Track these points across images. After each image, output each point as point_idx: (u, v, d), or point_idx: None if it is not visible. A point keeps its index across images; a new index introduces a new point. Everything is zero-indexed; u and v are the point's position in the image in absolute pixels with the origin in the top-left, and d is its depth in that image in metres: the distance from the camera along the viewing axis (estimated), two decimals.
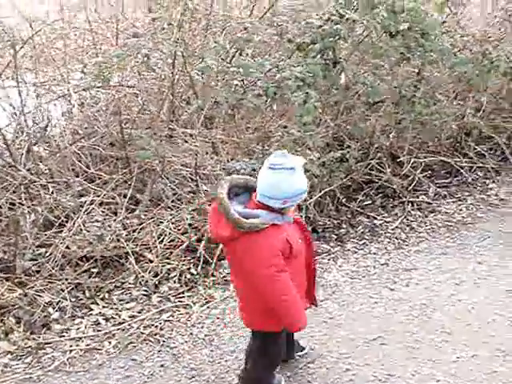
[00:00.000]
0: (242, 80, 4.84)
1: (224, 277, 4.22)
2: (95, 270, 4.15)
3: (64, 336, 3.64)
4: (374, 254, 4.61)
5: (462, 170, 5.83)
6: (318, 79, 4.85)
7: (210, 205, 3.73)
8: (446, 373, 3.27)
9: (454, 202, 5.46)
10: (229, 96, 4.73)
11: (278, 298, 2.80)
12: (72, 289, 3.99)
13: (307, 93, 4.62)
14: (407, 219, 5.12)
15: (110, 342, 3.58)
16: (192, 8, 4.98)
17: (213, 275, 4.23)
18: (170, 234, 4.33)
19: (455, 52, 5.65)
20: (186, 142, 4.79)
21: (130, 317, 3.80)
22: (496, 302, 3.93)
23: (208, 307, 3.92)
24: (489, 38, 6.20)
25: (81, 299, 3.95)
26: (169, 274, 4.17)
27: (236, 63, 4.79)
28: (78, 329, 3.70)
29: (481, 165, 5.98)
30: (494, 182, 5.88)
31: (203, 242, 4.31)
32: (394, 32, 5.18)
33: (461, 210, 5.32)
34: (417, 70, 5.72)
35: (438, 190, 5.58)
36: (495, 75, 5.86)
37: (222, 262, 4.33)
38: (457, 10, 6.28)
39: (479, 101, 6.02)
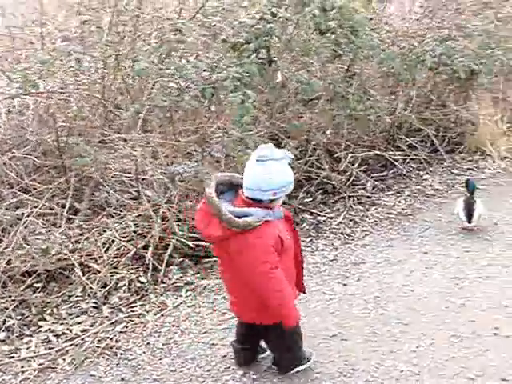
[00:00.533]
0: (178, 82, 4.75)
1: (174, 283, 4.14)
2: (39, 285, 3.97)
3: (13, 357, 3.47)
4: (322, 250, 4.62)
5: (396, 163, 5.95)
6: (255, 78, 4.83)
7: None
8: (408, 362, 3.30)
9: (392, 194, 5.56)
10: (165, 99, 4.64)
11: (272, 294, 2.87)
12: (17, 306, 3.82)
13: (244, 93, 4.59)
14: (350, 214, 5.17)
15: (64, 360, 3.43)
16: (122, 10, 4.87)
17: (163, 282, 4.13)
18: (115, 242, 4.20)
19: (383, 48, 5.76)
20: (124, 147, 4.66)
21: (82, 331, 3.65)
22: (445, 289, 4.01)
23: (162, 315, 3.82)
24: (413, 33, 6.34)
25: (27, 316, 3.78)
26: (117, 284, 4.04)
27: (171, 65, 4.70)
28: (28, 348, 3.53)
29: (413, 157, 6.11)
30: (427, 173, 6.01)
31: (150, 249, 4.21)
32: (324, 29, 5.22)
33: (400, 201, 5.41)
34: (346, 67, 5.78)
35: (376, 183, 5.67)
36: (422, 70, 6.00)
37: (171, 267, 4.25)
38: (382, 6, 6.39)
39: (408, 95, 6.15)
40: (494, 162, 6.24)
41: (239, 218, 2.76)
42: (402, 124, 6.17)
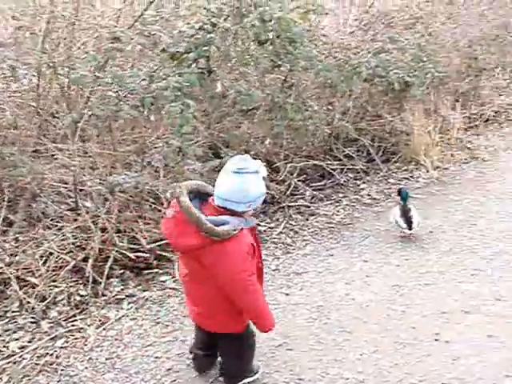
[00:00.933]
0: (117, 91, 4.67)
1: (115, 295, 4.06)
2: None
3: None
4: (264, 260, 4.60)
5: (334, 173, 6.02)
6: (195, 88, 4.81)
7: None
8: (353, 370, 3.35)
9: (331, 203, 5.62)
10: (104, 108, 4.56)
11: (251, 301, 2.92)
12: None
13: (184, 102, 4.56)
14: (290, 223, 5.20)
15: (1, 378, 3.29)
16: (58, 16, 4.77)
17: (104, 295, 4.04)
18: (53, 254, 4.09)
19: (320, 59, 5.82)
20: (60, 157, 4.54)
21: (19, 348, 3.54)
22: (386, 297, 4.08)
23: (104, 329, 3.74)
24: (348, 45, 6.44)
25: None
26: (56, 298, 3.93)
27: (109, 74, 4.62)
28: None
29: (350, 166, 6.20)
30: (364, 182, 6.11)
31: (90, 261, 4.11)
32: (263, 40, 5.25)
33: (338, 211, 5.48)
34: (283, 77, 5.82)
35: (315, 193, 5.72)
36: (358, 81, 6.09)
37: (112, 280, 4.16)
38: (319, 18, 6.47)
39: (345, 105, 6.25)
40: (427, 171, 6.40)
41: (217, 226, 2.75)
42: (339, 134, 6.25)
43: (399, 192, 5.09)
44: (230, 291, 2.88)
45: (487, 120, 8.44)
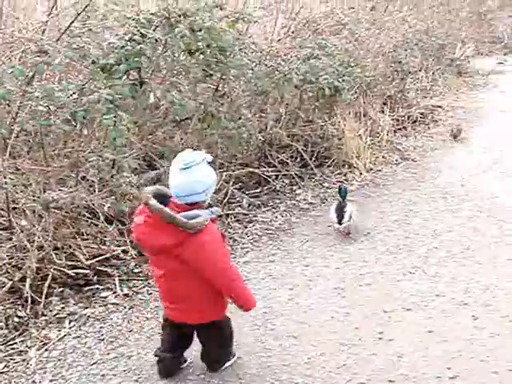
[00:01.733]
0: (48, 105, 4.57)
1: (56, 314, 3.96)
2: None
3: None
4: None
5: (269, 179, 6.06)
6: (128, 100, 4.76)
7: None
8: (302, 374, 3.37)
9: (268, 210, 5.65)
10: (34, 123, 4.45)
11: (234, 283, 3.19)
12: None
13: (116, 115, 4.50)
14: (228, 232, 5.19)
15: None
16: None
17: (44, 314, 3.93)
18: None
19: (252, 67, 5.86)
20: None
21: None
22: (329, 300, 4.13)
23: (46, 350, 3.63)
24: (278, 52, 6.51)
25: None
26: None
27: (39, 88, 4.52)
28: None
29: (285, 172, 6.26)
30: (299, 187, 6.18)
31: (28, 281, 3.99)
32: (193, 50, 5.24)
33: (276, 217, 5.51)
34: (215, 86, 5.83)
35: (252, 200, 5.73)
36: (289, 87, 6.16)
37: (51, 298, 4.06)
38: (247, 27, 6.50)
39: (277, 112, 6.30)
40: (360, 174, 6.53)
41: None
42: (272, 141, 6.30)
43: (339, 189, 5.29)
44: (215, 279, 3.11)
45: (415, 121, 8.69)
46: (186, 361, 3.48)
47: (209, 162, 3.12)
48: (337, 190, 5.37)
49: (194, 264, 3.05)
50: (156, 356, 3.41)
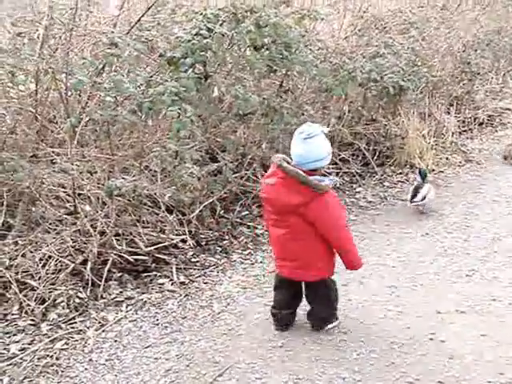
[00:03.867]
0: (115, 96, 4.72)
1: (114, 298, 4.10)
2: None
3: None
4: (261, 262, 4.67)
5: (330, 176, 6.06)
6: (192, 93, 4.86)
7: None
8: (350, 370, 3.38)
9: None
10: (102, 113, 4.60)
11: (349, 241, 3.58)
12: None
13: (181, 107, 4.61)
14: None
15: (1, 380, 3.32)
16: (56, 22, 4.82)
17: (102, 297, 4.08)
18: (52, 258, 4.12)
19: (316, 63, 5.88)
20: (59, 162, 4.58)
21: (20, 350, 3.55)
22: (382, 298, 4.12)
23: (103, 331, 3.77)
24: (343, 50, 6.51)
25: None
26: (56, 301, 3.94)
27: (108, 78, 4.67)
28: None
29: (346, 170, 6.26)
30: (359, 185, 6.18)
31: (89, 264, 4.14)
32: (259, 45, 5.31)
33: None
34: (279, 82, 5.88)
35: None
36: (353, 85, 6.16)
37: (111, 282, 4.20)
38: (314, 24, 6.53)
39: (340, 109, 6.31)
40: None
41: None
42: (334, 138, 6.30)
43: (419, 171, 5.72)
44: (333, 234, 3.49)
45: (481, 124, 8.53)
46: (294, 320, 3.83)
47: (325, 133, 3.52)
48: (418, 171, 5.77)
49: (317, 220, 3.44)
50: (272, 314, 3.78)
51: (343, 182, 6.17)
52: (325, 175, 3.59)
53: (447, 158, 6.95)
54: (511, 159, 6.84)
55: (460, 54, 8.29)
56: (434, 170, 6.60)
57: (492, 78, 9.87)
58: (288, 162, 3.47)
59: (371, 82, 6.19)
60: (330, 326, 3.75)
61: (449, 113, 7.87)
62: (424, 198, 5.46)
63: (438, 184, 6.30)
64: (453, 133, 7.50)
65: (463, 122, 8.28)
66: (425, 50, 7.27)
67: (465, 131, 8.16)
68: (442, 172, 6.62)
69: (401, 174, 6.52)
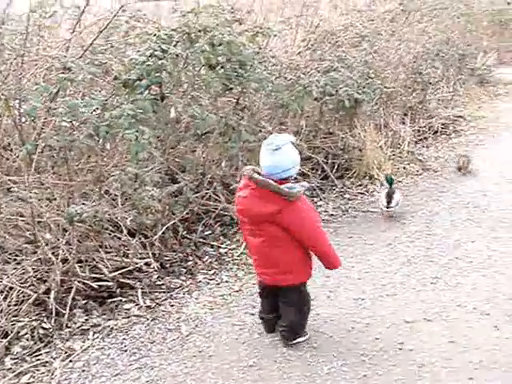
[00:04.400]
0: (71, 121, 4.66)
1: (80, 326, 4.02)
2: None
3: None
4: (227, 281, 4.65)
5: None
6: (149, 115, 4.83)
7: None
8: None
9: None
10: (58, 138, 4.54)
11: (325, 242, 3.72)
12: None
13: (139, 129, 4.57)
14: None
15: None
16: (7, 48, 4.75)
17: (68, 326, 4.00)
18: (14, 289, 4.02)
19: (271, 80, 5.91)
20: (16, 190, 4.50)
21: None
22: (349, 311, 4.14)
23: (70, 361, 3.70)
24: (297, 65, 6.56)
25: None
26: (19, 333, 3.85)
27: (63, 103, 4.61)
28: None
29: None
30: (320, 199, 6.21)
31: (52, 293, 4.06)
32: (214, 64, 5.31)
33: None
34: (235, 100, 5.88)
35: None
36: (309, 100, 6.20)
37: (75, 311, 4.13)
38: (267, 40, 6.56)
39: (297, 125, 6.34)
40: (381, 185, 6.53)
41: None
42: None
43: (386, 178, 6.04)
44: (308, 238, 3.64)
45: (436, 132, 8.68)
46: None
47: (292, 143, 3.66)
48: (384, 178, 6.17)
49: (291, 226, 3.57)
50: (260, 318, 3.95)
51: (304, 196, 6.17)
52: (297, 181, 3.81)
53: (405, 168, 7.05)
54: (464, 170, 6.94)
55: (411, 65, 8.45)
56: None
57: (443, 86, 10.08)
58: (258, 173, 3.60)
59: (327, 95, 6.25)
60: (299, 339, 3.79)
61: (404, 123, 8.00)
62: (398, 203, 5.75)
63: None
64: (409, 142, 7.62)
65: (418, 131, 8.42)
66: (377, 62, 7.36)
67: (420, 140, 8.29)
68: (401, 181, 6.71)
69: (360, 185, 6.58)
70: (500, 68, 13.74)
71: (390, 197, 5.75)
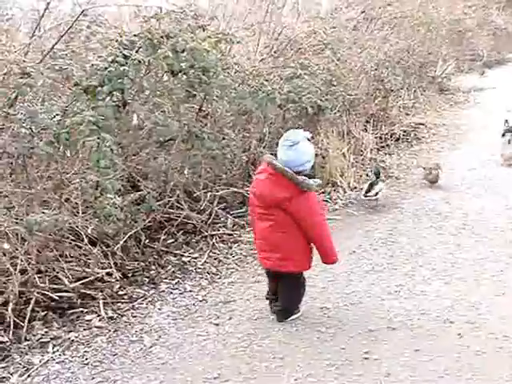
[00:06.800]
0: (30, 127, 4.55)
1: (39, 339, 3.90)
2: None
3: None
4: (190, 291, 4.58)
5: None
6: (111, 121, 4.74)
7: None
8: None
9: (252, 230, 5.62)
10: (17, 145, 4.43)
11: (326, 236, 4.00)
12: None
13: (100, 136, 4.49)
14: (213, 253, 5.18)
15: None
16: None
17: (26, 339, 3.87)
18: None
19: (235, 87, 5.88)
20: None
21: None
22: (315, 320, 4.13)
23: (29, 375, 3.57)
24: (261, 72, 6.53)
25: None
26: None
27: (22, 109, 4.50)
28: None
29: None
30: None
31: (10, 305, 3.94)
32: (176, 71, 5.25)
33: None
34: (198, 107, 5.83)
35: (236, 220, 5.73)
36: (272, 107, 6.18)
37: (35, 323, 4.01)
38: (229, 47, 6.52)
39: (261, 132, 6.32)
40: (345, 192, 6.56)
41: None
42: (256, 160, 6.29)
43: (373, 170, 6.46)
44: (311, 228, 3.91)
45: (398, 139, 8.76)
46: None
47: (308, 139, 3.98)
48: (371, 170, 6.63)
49: (298, 214, 3.86)
50: (266, 298, 4.22)
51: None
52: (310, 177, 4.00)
53: (367, 175, 7.07)
54: (436, 182, 6.92)
55: (373, 73, 8.50)
56: (355, 188, 6.69)
57: (404, 94, 10.18)
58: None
59: (290, 102, 6.25)
60: (293, 316, 4.12)
61: (366, 130, 8.04)
62: (377, 193, 6.12)
63: (360, 201, 6.40)
64: (371, 149, 7.67)
65: (380, 138, 8.48)
66: (340, 69, 7.38)
67: (382, 147, 8.35)
68: (363, 189, 6.71)
69: (323, 192, 6.57)
70: (459, 76, 13.98)
71: (371, 186, 6.14)
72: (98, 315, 4.19)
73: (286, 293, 4.11)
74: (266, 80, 6.36)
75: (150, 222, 5.22)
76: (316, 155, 6.74)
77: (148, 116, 5.19)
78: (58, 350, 3.82)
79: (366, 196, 6.15)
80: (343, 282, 4.64)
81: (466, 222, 5.75)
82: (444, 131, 9.63)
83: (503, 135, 7.93)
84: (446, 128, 9.82)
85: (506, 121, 8.26)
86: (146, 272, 4.83)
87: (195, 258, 5.08)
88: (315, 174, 6.05)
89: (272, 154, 4.16)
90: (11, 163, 4.64)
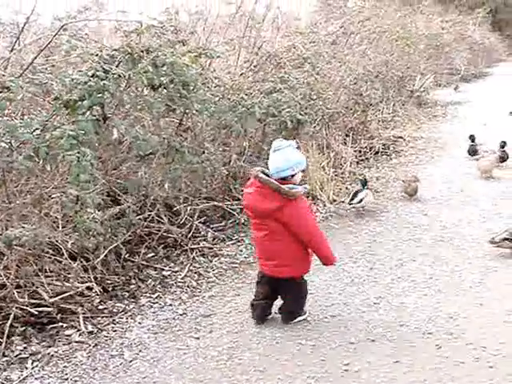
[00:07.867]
0: (10, 141, 4.54)
1: (18, 354, 3.86)
2: None
3: None
4: (170, 305, 4.57)
5: (234, 213, 6.06)
6: (91, 136, 4.75)
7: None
8: None
9: (233, 244, 5.65)
10: None
11: (322, 241, 4.19)
12: None
13: (80, 151, 4.49)
14: (194, 266, 5.18)
15: None
16: None
17: (5, 355, 3.84)
18: None
19: (215, 101, 5.91)
20: None
21: None
22: (295, 332, 4.14)
23: None
24: (240, 86, 6.57)
25: None
26: None
27: (1, 123, 4.49)
28: None
29: None
30: None
31: None
32: (156, 85, 5.27)
33: (241, 250, 5.52)
34: (178, 121, 5.86)
35: (216, 234, 5.74)
36: (252, 121, 6.22)
37: (13, 338, 3.98)
38: (209, 61, 6.56)
39: (241, 145, 6.35)
40: (324, 205, 6.59)
41: None
42: (236, 174, 6.33)
43: (360, 180, 6.61)
44: (305, 235, 4.07)
45: (377, 152, 8.84)
46: (270, 313, 4.32)
47: (296, 147, 4.21)
48: (359, 180, 6.73)
49: (290, 223, 4.01)
50: (251, 304, 4.29)
51: (248, 217, 6.17)
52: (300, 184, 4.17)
53: (347, 188, 7.12)
54: (415, 195, 6.97)
55: (352, 87, 8.59)
56: (335, 201, 6.74)
57: (383, 108, 10.29)
58: (266, 174, 4.05)
59: (269, 116, 6.30)
60: (299, 318, 4.26)
61: (345, 143, 8.11)
62: (361, 200, 6.30)
63: (340, 214, 6.45)
64: (351, 163, 7.73)
65: (360, 151, 8.55)
66: (319, 83, 7.45)
67: (362, 160, 8.42)
68: (343, 202, 6.76)
69: None
70: (437, 90, 14.15)
71: (355, 195, 6.33)
72: (78, 330, 4.17)
73: (289, 297, 4.25)
74: (246, 94, 6.41)
75: (130, 236, 5.20)
76: None
77: (128, 130, 5.19)
78: (37, 366, 3.79)
79: (350, 204, 6.32)
80: (323, 295, 4.66)
81: (444, 234, 5.82)
82: (422, 144, 9.74)
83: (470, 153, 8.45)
84: (424, 141, 9.94)
85: (471, 136, 8.47)
86: (126, 286, 4.81)
87: (175, 272, 5.08)
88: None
89: (257, 166, 4.34)
90: None
